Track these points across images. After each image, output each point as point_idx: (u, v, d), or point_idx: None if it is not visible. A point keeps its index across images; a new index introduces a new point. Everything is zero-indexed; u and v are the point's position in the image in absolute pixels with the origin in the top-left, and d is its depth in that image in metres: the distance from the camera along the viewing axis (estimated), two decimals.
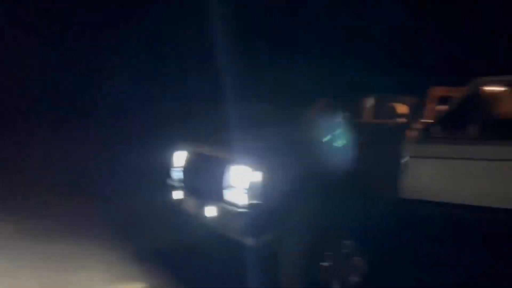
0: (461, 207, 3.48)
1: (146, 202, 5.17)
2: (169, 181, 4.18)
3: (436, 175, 3.56)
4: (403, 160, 3.62)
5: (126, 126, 8.15)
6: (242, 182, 3.15)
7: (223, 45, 6.96)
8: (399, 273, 3.83)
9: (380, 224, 3.48)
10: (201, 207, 3.47)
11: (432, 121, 3.71)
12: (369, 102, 4.94)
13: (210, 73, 7.59)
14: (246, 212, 3.09)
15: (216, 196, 3.35)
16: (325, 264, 3.17)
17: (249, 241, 3.10)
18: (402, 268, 3.90)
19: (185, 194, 3.87)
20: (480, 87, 3.72)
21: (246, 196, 3.11)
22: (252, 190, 3.10)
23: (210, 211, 3.32)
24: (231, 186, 3.24)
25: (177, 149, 4.17)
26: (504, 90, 4.30)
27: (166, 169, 4.26)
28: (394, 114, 4.41)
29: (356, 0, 9.76)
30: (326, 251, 3.18)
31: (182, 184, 4.00)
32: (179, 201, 3.90)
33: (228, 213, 3.21)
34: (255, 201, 3.08)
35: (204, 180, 3.63)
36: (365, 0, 9.87)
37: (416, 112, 3.99)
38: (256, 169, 3.11)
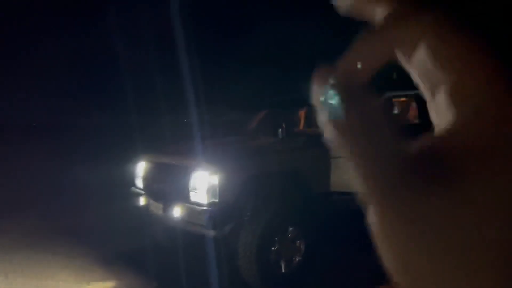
0: None
1: (114, 209, 5.53)
2: (134, 189, 4.70)
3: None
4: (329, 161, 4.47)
5: (90, 140, 8.37)
6: (202, 184, 3.80)
7: (178, 60, 7.50)
8: (330, 252, 4.68)
9: (316, 213, 4.30)
10: (167, 209, 4.05)
11: None
12: (303, 114, 5.81)
13: (160, 88, 8.14)
14: (207, 209, 3.73)
15: (181, 198, 3.96)
16: (275, 248, 3.88)
17: (211, 233, 3.75)
18: (333, 248, 4.77)
19: (150, 199, 4.41)
20: (388, 99, 4.67)
21: (206, 196, 3.76)
22: (211, 190, 3.76)
23: (177, 211, 3.91)
24: (194, 189, 3.86)
25: (140, 160, 4.71)
26: (407, 101, 5.38)
27: (131, 178, 4.76)
28: None
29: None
30: (275, 237, 3.88)
31: (146, 191, 4.54)
32: (145, 205, 4.43)
33: (192, 211, 3.83)
34: (214, 200, 3.74)
35: (169, 186, 4.21)
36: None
37: None
38: (213, 173, 3.77)
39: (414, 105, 5.58)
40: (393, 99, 5.02)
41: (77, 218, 5.79)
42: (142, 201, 4.48)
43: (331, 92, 0.21)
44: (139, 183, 4.67)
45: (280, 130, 4.54)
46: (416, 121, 5.54)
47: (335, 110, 0.21)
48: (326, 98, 0.21)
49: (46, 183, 7.03)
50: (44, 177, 7.17)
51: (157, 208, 4.23)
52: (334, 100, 0.21)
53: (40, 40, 10.00)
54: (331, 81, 0.21)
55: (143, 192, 4.56)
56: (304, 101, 5.77)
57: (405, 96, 5.31)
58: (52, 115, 9.25)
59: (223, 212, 3.74)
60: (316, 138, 4.82)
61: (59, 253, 4.74)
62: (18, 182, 7.05)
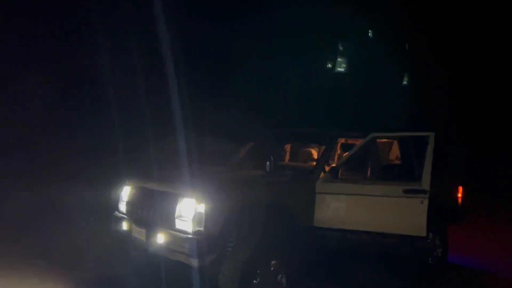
0: (359, 233, 4.48)
1: (95, 233, 5.40)
2: (117, 213, 4.64)
3: (339, 208, 4.54)
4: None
5: (73, 161, 8.23)
6: (189, 212, 3.80)
7: (167, 85, 7.58)
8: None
9: (299, 247, 4.34)
10: (151, 235, 4.01)
11: (337, 164, 4.72)
12: (288, 148, 5.94)
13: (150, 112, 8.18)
14: (192, 237, 3.72)
15: (165, 225, 3.94)
16: (256, 281, 3.86)
17: (194, 262, 3.72)
18: (315, 283, 4.79)
19: (133, 225, 4.35)
20: (372, 140, 4.83)
21: (192, 224, 3.75)
22: (196, 219, 3.76)
23: (161, 238, 3.88)
24: (180, 216, 3.85)
25: (125, 184, 4.67)
26: (389, 142, 5.57)
27: (114, 202, 4.71)
28: (309, 158, 5.42)
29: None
30: (257, 269, 3.88)
31: (129, 216, 4.48)
32: (128, 231, 4.37)
33: (176, 239, 3.80)
34: (200, 228, 3.74)
35: (153, 211, 4.17)
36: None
37: (325, 157, 4.98)
38: (201, 202, 3.78)
39: (396, 146, 5.78)
40: (377, 140, 5.18)
41: (55, 240, 5.63)
42: (124, 226, 4.42)
43: None
44: (123, 207, 4.62)
45: (268, 162, 4.60)
46: (398, 161, 5.74)
47: None
48: None
49: (24, 203, 6.82)
50: (21, 197, 6.96)
51: (140, 233, 4.17)
52: None
53: (20, 55, 9.84)
54: None
55: (126, 216, 4.51)
56: (291, 135, 5.92)
57: (388, 137, 5.51)
58: (32, 133, 9.03)
59: (208, 241, 3.72)
60: (302, 173, 4.93)
61: (32, 275, 4.59)
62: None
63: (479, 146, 15.01)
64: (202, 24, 11.11)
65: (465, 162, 6.95)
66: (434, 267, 5.42)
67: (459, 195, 5.88)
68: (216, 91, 10.58)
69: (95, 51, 9.69)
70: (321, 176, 4.66)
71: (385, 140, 5.76)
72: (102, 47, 9.69)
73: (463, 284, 5.38)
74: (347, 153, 4.88)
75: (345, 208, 4.54)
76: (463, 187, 5.95)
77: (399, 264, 5.43)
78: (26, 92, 9.21)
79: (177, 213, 3.87)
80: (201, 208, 3.75)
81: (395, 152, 5.85)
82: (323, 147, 5.28)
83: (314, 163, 5.13)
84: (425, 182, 4.38)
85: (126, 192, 4.63)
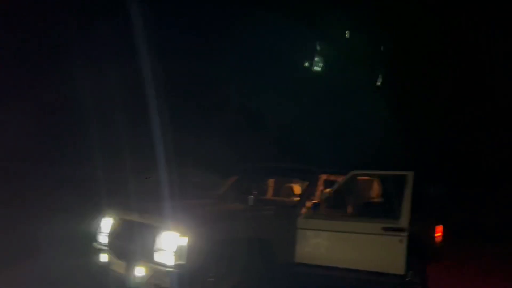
0: (339, 270, 4.50)
1: (73, 265, 5.25)
2: (96, 245, 4.57)
3: (320, 244, 4.57)
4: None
5: (55, 190, 8.07)
6: (171, 245, 3.78)
7: (150, 116, 7.62)
8: None
9: (279, 283, 4.33)
10: (130, 268, 3.96)
11: (319, 201, 4.79)
12: (271, 183, 6.00)
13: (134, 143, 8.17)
14: (173, 271, 3.69)
15: (146, 258, 3.90)
16: None
17: None
18: None
19: (112, 257, 4.30)
20: (353, 177, 4.94)
21: (174, 257, 3.73)
22: (179, 252, 3.74)
23: (141, 271, 3.83)
24: (161, 249, 3.83)
25: (106, 215, 4.63)
26: (369, 180, 5.69)
27: (94, 233, 4.64)
28: (291, 193, 5.48)
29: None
30: None
31: (109, 248, 4.43)
32: (107, 263, 4.31)
33: (157, 272, 3.77)
34: (181, 262, 3.72)
35: (134, 244, 4.14)
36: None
37: (308, 192, 5.06)
38: (183, 235, 3.78)
39: (376, 184, 5.89)
40: (358, 178, 5.29)
41: (32, 272, 5.42)
42: (104, 258, 4.36)
43: None
44: (103, 239, 4.56)
45: (251, 197, 4.65)
46: (378, 199, 5.83)
47: None
48: None
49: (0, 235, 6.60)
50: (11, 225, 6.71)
51: (119, 266, 4.12)
52: None
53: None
54: None
55: (106, 248, 4.45)
56: (274, 170, 5.99)
57: (369, 175, 5.63)
58: (10, 163, 8.85)
59: (189, 275, 3.71)
60: (284, 208, 4.98)
61: None
62: None
63: (465, 184, 14.94)
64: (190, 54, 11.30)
65: (445, 201, 7.09)
66: None
67: (438, 234, 5.97)
68: (202, 124, 10.69)
69: (76, 81, 9.71)
70: (303, 211, 4.73)
71: (367, 178, 5.87)
72: (84, 76, 9.72)
73: None
74: (329, 189, 4.96)
75: (326, 244, 4.58)
76: (442, 226, 6.05)
77: None
78: (3, 122, 9.08)
79: (158, 246, 3.85)
80: (184, 241, 3.75)
81: (376, 189, 5.96)
82: (306, 182, 5.37)
83: (297, 198, 5.19)
84: (404, 220, 4.47)
85: (106, 224, 4.59)
